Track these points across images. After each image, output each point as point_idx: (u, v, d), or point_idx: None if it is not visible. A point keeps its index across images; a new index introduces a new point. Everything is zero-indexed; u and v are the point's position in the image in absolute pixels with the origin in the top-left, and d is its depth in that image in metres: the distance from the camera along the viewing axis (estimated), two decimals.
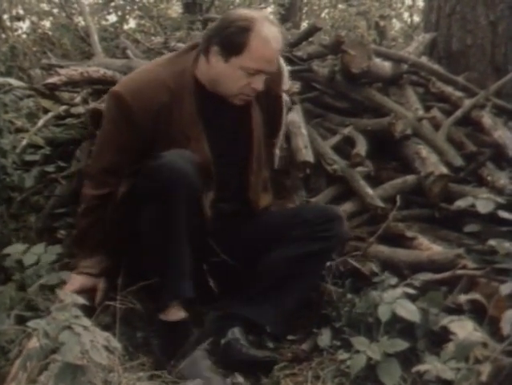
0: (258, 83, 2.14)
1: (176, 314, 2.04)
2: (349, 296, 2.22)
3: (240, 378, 1.88)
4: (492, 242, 2.07)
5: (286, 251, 2.18)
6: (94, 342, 1.48)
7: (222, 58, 2.10)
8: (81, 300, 1.59)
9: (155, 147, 2.06)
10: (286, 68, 2.37)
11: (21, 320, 2.03)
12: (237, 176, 2.27)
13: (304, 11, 10.66)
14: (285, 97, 2.39)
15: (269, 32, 2.09)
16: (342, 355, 2.01)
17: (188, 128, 2.13)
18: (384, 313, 1.92)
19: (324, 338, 2.14)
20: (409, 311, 1.90)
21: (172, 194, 1.93)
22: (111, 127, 2.17)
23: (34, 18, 6.28)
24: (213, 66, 2.13)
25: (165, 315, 2.04)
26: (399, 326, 1.95)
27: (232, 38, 2.07)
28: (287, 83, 2.40)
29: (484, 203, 2.25)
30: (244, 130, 2.26)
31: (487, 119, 3.20)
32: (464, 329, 1.36)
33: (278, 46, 2.12)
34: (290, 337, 2.24)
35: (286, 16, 8.99)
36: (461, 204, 2.31)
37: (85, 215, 2.21)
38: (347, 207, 2.69)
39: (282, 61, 2.30)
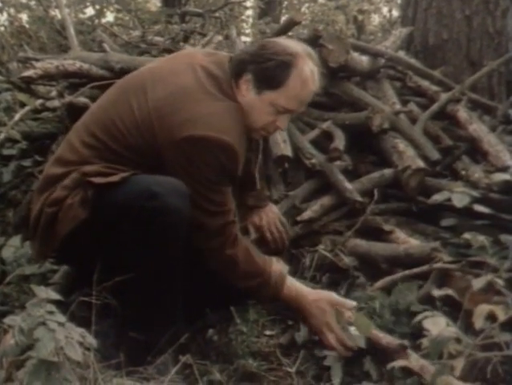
0: (284, 123, 2.01)
1: None
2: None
3: (217, 375, 1.88)
4: (466, 235, 2.09)
5: None
6: (69, 339, 1.47)
7: (255, 89, 1.94)
8: (55, 295, 1.57)
9: None
10: None
11: None
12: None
13: (284, 5, 10.67)
14: None
15: (309, 72, 1.93)
16: (319, 352, 2.02)
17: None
18: None
19: (302, 333, 2.14)
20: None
21: (173, 238, 1.80)
22: (226, 177, 1.91)
23: (12, 11, 6.21)
24: (243, 95, 1.95)
25: None
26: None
27: (271, 72, 1.91)
28: None
29: (459, 197, 2.25)
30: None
31: (462, 113, 3.23)
32: (437, 325, 1.36)
33: (314, 88, 1.98)
34: (267, 332, 2.24)
35: (266, 10, 8.98)
36: (437, 198, 2.32)
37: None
38: (325, 201, 2.71)
39: None
